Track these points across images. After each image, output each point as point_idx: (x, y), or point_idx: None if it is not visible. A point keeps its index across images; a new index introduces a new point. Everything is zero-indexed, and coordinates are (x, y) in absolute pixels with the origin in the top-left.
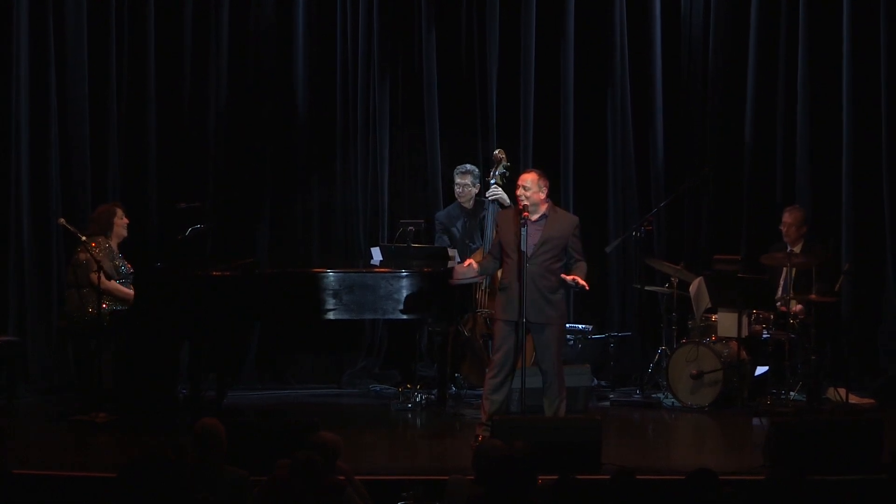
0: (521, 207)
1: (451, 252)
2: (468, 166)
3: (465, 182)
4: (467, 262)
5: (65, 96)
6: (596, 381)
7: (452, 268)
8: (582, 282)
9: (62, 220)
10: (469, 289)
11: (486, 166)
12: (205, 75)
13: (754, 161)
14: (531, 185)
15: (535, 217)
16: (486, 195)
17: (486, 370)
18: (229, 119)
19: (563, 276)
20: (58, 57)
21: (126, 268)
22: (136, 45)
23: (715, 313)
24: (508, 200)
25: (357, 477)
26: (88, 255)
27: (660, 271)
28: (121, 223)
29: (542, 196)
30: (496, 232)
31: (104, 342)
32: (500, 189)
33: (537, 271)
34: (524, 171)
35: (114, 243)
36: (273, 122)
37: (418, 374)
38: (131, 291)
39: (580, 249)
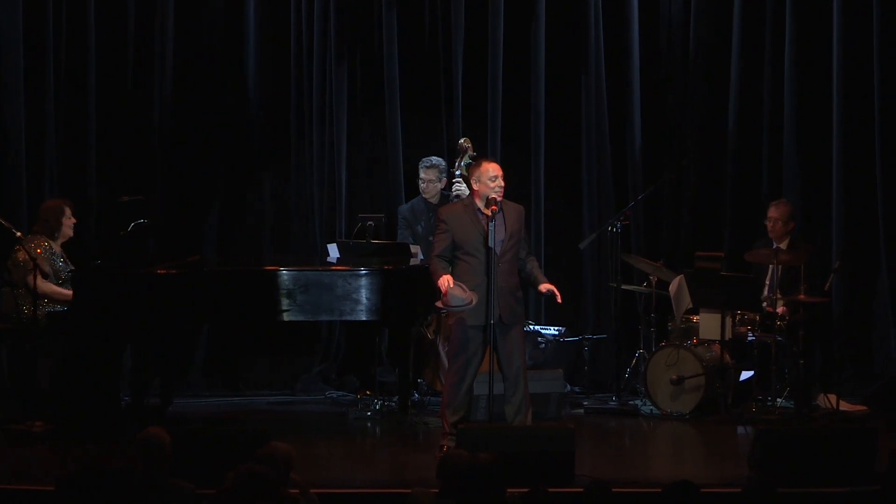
0: (495, 199)
1: (414, 249)
2: (434, 160)
3: (430, 177)
4: (448, 278)
5: None
6: (569, 386)
7: (415, 265)
8: (556, 291)
9: None
10: (432, 287)
11: (451, 156)
12: (149, 59)
13: (738, 151)
14: (501, 176)
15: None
16: (452, 190)
17: (445, 376)
18: (175, 106)
19: (541, 286)
20: None
21: (68, 268)
22: (76, 27)
23: (696, 314)
24: None
25: (312, 490)
26: (26, 254)
27: (637, 269)
28: (68, 223)
29: None
30: (443, 231)
31: (41, 345)
32: (463, 185)
33: (506, 268)
34: (489, 161)
35: (57, 244)
36: (222, 109)
37: (378, 380)
38: (70, 293)
39: (529, 241)
